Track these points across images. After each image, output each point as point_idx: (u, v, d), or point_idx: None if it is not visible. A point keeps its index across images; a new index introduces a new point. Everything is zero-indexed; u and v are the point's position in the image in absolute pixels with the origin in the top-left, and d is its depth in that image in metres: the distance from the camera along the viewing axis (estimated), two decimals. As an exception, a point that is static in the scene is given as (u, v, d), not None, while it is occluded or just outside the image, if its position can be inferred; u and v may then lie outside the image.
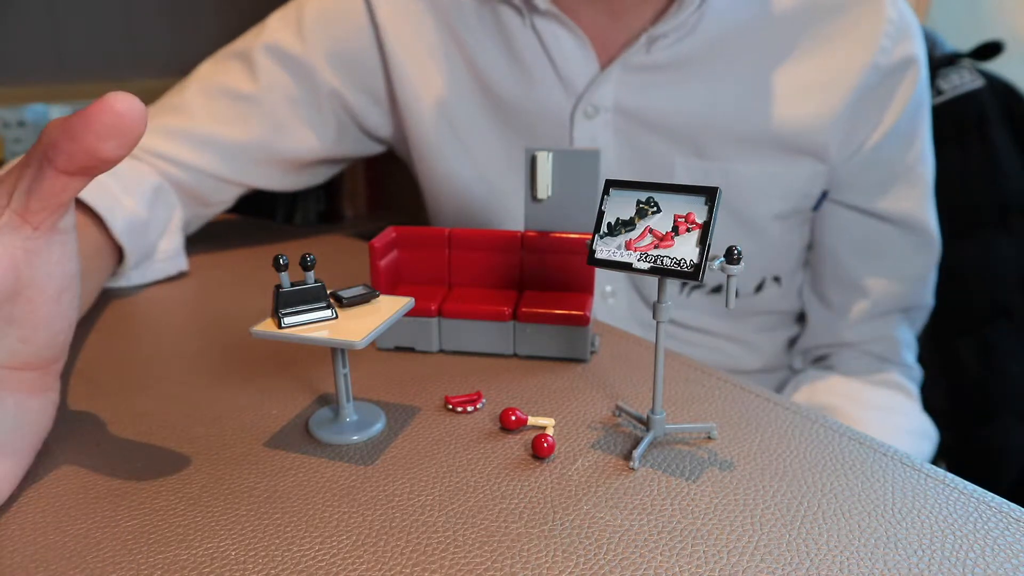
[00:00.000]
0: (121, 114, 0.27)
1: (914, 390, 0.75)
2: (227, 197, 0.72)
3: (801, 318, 0.78)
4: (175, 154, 0.67)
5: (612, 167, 0.69)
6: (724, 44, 0.65)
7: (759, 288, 0.73)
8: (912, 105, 0.67)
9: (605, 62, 0.67)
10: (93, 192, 0.57)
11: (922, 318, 0.77)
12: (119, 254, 0.60)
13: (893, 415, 0.71)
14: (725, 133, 0.66)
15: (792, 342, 0.79)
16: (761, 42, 0.65)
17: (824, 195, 0.71)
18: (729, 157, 0.67)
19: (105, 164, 0.28)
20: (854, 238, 0.72)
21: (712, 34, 0.65)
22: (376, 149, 0.80)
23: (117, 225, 0.57)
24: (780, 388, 0.79)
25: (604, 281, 0.72)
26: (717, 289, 0.72)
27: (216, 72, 0.71)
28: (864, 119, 0.66)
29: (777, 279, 0.73)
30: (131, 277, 0.61)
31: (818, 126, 0.65)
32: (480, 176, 0.73)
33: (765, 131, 0.65)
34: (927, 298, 0.75)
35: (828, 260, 0.74)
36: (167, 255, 0.64)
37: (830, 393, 0.72)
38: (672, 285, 0.70)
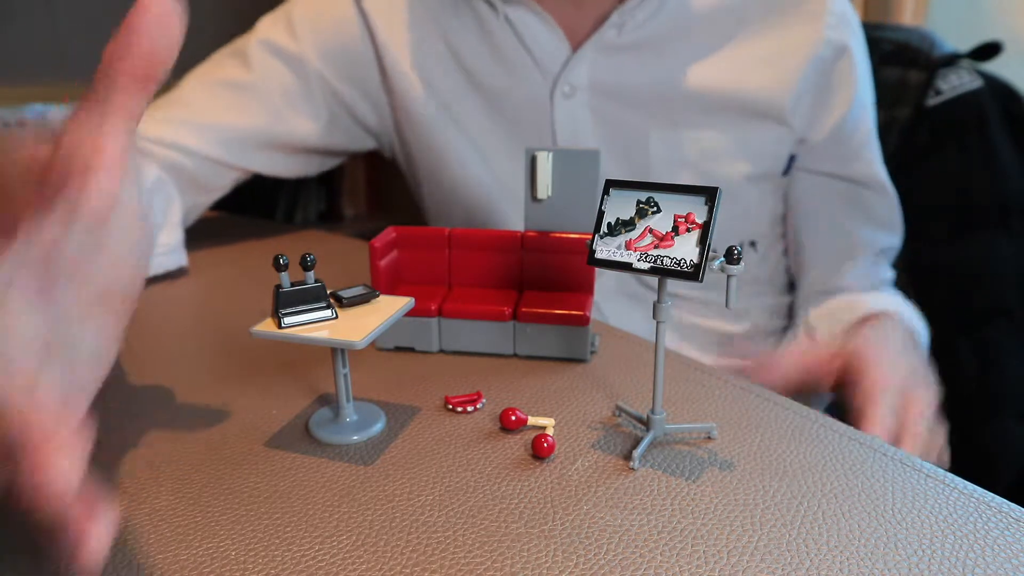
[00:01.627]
0: (161, 5, 0.27)
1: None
2: (226, 182, 0.74)
3: (780, 289, 0.82)
4: (175, 139, 0.69)
5: (591, 144, 0.72)
6: (688, 24, 0.71)
7: None
8: (860, 88, 0.74)
9: (576, 44, 0.71)
10: None
11: (895, 253, 0.81)
12: None
13: (898, 298, 0.76)
14: (695, 102, 0.71)
15: (775, 309, 0.82)
16: (720, 22, 0.71)
17: (791, 160, 0.76)
18: (700, 125, 0.72)
19: (162, 62, 0.27)
20: (817, 200, 0.77)
21: (676, 15, 0.70)
22: (370, 143, 0.82)
23: None
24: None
25: None
26: None
27: (211, 69, 0.74)
28: (821, 100, 0.73)
29: (753, 244, 0.78)
30: None
31: (778, 91, 0.71)
32: (479, 159, 0.76)
33: (731, 98, 0.71)
34: (896, 239, 0.80)
35: (801, 224, 0.79)
36: (167, 249, 0.64)
37: (832, 320, 0.74)
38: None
